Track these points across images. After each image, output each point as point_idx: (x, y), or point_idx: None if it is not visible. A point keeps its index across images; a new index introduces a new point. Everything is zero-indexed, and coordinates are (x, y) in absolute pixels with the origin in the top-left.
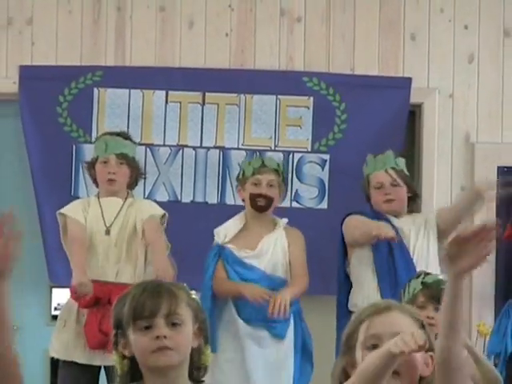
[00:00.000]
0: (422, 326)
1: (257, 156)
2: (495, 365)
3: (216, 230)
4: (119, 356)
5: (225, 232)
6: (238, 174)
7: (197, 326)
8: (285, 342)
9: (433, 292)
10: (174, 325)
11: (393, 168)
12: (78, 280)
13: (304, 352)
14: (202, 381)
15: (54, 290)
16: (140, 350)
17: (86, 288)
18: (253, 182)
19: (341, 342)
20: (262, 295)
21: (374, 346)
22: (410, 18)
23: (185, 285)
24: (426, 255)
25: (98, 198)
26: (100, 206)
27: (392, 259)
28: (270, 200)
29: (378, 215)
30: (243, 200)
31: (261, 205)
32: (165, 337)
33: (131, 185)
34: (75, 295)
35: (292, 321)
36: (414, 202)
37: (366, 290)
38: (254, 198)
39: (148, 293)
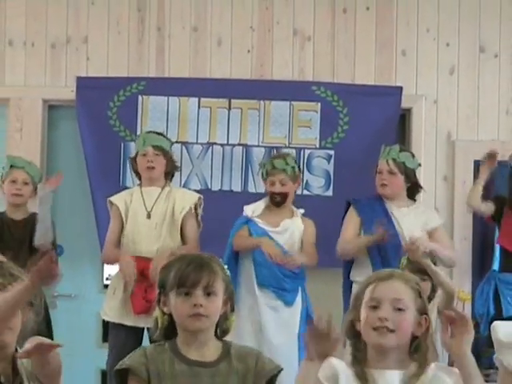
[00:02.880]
0: (419, 294)
1: (273, 153)
2: (478, 324)
3: (245, 207)
4: (160, 311)
5: (253, 209)
6: (262, 175)
7: (226, 296)
8: (293, 307)
9: (415, 266)
10: (209, 294)
11: (393, 159)
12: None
13: (307, 319)
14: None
15: (105, 265)
16: (179, 313)
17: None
18: (269, 182)
19: (349, 301)
20: (275, 254)
21: (375, 307)
22: (401, 37)
23: (220, 260)
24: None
25: (140, 187)
26: (141, 194)
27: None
28: (284, 195)
29: (374, 200)
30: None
31: (277, 201)
32: (201, 305)
33: (167, 175)
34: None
35: (300, 291)
36: (413, 190)
37: (363, 267)
38: (271, 195)
39: (192, 266)
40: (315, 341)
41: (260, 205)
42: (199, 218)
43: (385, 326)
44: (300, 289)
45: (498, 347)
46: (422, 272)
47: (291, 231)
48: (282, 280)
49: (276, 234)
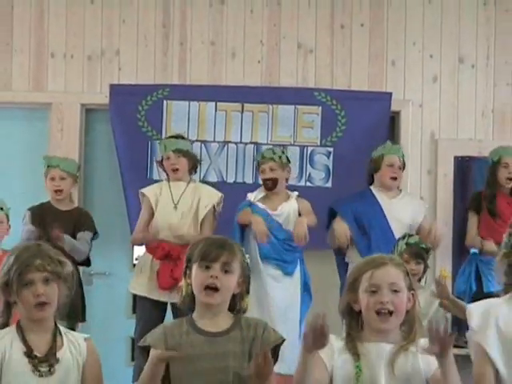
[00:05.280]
0: (407, 274)
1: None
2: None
3: (248, 194)
4: (186, 282)
5: (254, 195)
6: (256, 166)
7: (242, 279)
8: (293, 277)
9: (414, 250)
10: (226, 272)
11: (402, 156)
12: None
13: (305, 286)
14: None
15: (135, 246)
16: (197, 282)
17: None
18: (260, 171)
19: (345, 283)
20: (263, 235)
21: (374, 292)
22: (391, 50)
23: (242, 248)
24: (408, 224)
25: (169, 181)
26: (169, 188)
27: (368, 235)
28: (274, 180)
29: (362, 192)
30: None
31: (269, 186)
32: (216, 277)
33: (191, 170)
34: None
35: (298, 263)
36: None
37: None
38: (263, 182)
39: (215, 245)
40: (313, 336)
41: (259, 193)
42: (216, 213)
43: (386, 308)
44: (299, 260)
45: (471, 332)
46: (417, 256)
47: (287, 213)
48: (282, 253)
49: (275, 216)
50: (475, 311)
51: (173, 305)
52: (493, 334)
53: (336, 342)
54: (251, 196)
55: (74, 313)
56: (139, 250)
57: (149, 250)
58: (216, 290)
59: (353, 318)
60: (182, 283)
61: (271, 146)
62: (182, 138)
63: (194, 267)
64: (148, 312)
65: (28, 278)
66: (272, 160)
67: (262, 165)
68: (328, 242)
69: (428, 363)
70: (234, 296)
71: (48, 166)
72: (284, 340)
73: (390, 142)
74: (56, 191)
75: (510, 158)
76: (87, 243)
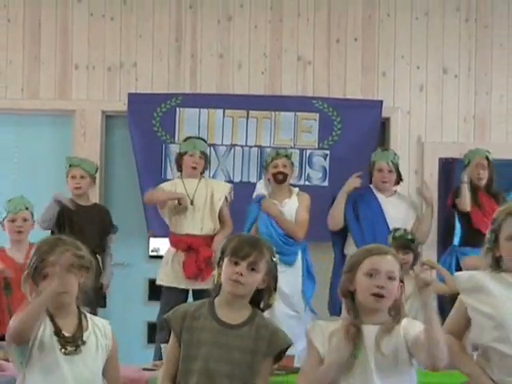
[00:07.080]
0: (401, 267)
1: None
2: None
3: (258, 185)
4: (218, 272)
5: (264, 186)
6: (264, 164)
7: (269, 276)
8: (293, 267)
9: (400, 242)
10: (252, 269)
11: (391, 161)
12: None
13: (308, 274)
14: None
15: (151, 239)
16: (225, 274)
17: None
18: (273, 165)
19: (346, 263)
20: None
21: (372, 275)
22: (381, 62)
23: (273, 248)
24: (402, 223)
25: (182, 178)
26: (184, 185)
27: (362, 226)
28: (285, 175)
29: (364, 190)
30: (269, 179)
31: (280, 178)
32: (241, 274)
33: (202, 171)
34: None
35: (300, 254)
36: (397, 182)
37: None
38: (275, 175)
39: (247, 243)
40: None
41: (265, 187)
42: (228, 202)
43: (381, 293)
44: (300, 251)
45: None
46: (404, 246)
47: (289, 208)
48: (280, 246)
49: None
50: (462, 275)
51: (194, 291)
52: (479, 295)
53: (327, 327)
54: (262, 188)
55: (95, 299)
56: (155, 243)
57: (172, 244)
58: (241, 284)
59: (350, 298)
60: (214, 272)
61: (281, 149)
62: (206, 143)
63: (225, 260)
64: (174, 300)
65: (44, 272)
66: (286, 157)
67: (276, 160)
68: (328, 223)
69: (407, 333)
70: (259, 291)
71: (70, 166)
72: (291, 345)
73: (380, 149)
74: (76, 187)
75: (476, 159)
76: (110, 257)
